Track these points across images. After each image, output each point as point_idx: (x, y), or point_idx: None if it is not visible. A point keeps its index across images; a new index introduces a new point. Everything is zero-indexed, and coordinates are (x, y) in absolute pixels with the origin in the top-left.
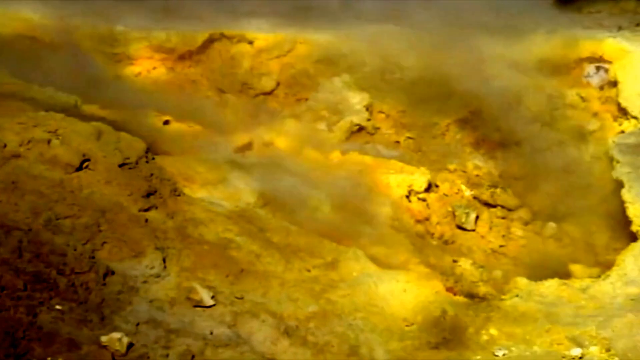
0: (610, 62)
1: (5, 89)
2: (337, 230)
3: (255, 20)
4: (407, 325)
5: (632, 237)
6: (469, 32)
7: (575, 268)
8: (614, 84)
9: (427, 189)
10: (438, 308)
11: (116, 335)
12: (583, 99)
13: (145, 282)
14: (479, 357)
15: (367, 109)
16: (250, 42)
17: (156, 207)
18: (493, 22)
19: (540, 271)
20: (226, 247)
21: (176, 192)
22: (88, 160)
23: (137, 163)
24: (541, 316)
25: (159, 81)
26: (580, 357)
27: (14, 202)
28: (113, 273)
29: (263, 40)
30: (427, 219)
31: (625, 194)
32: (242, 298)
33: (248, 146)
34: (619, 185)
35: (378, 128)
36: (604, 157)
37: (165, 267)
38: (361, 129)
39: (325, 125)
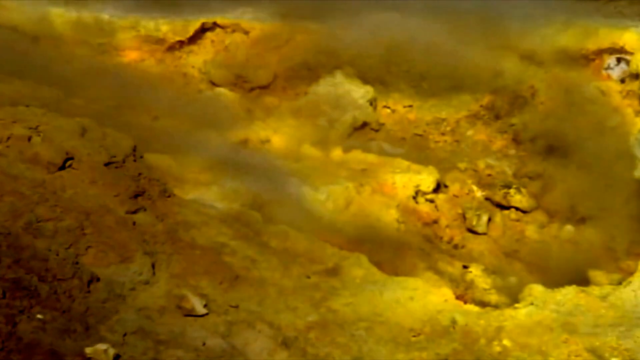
0: (632, 53)
1: None
2: (339, 233)
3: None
4: (414, 336)
5: None
6: (479, 20)
7: (594, 274)
8: (635, 76)
9: (436, 190)
10: (447, 317)
11: (102, 346)
12: (603, 92)
13: (132, 289)
14: None
15: (370, 104)
16: (246, 32)
17: (145, 209)
18: (506, 10)
19: (556, 277)
20: (220, 252)
21: (166, 193)
22: (71, 158)
23: (124, 162)
24: (558, 326)
25: (147, 73)
26: None
27: None
28: (98, 280)
29: (259, 30)
30: (435, 222)
31: None
32: (236, 307)
33: (243, 144)
34: None
35: (382, 124)
36: (625, 155)
37: (154, 273)
38: (364, 124)
39: (326, 121)
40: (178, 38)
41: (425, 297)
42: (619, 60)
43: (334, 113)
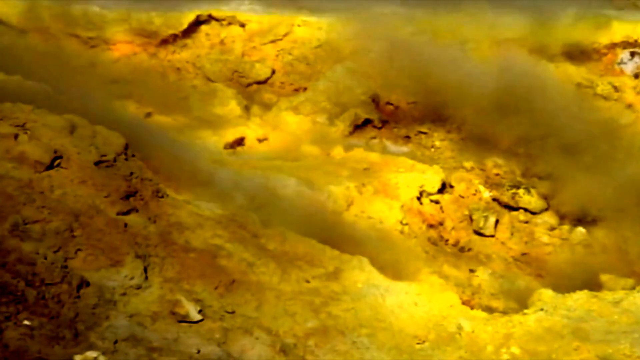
0: None
1: None
2: (340, 236)
3: None
4: (418, 343)
5: None
6: (487, 12)
7: (606, 278)
8: None
9: (441, 190)
10: (453, 323)
11: (92, 354)
12: (616, 88)
13: (124, 294)
14: None
15: (373, 100)
16: (243, 25)
17: (136, 210)
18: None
19: (567, 282)
20: (215, 255)
21: (159, 194)
22: (60, 157)
23: (115, 161)
24: (568, 332)
25: (139, 68)
26: None
27: None
28: (88, 284)
29: (256, 23)
30: (440, 224)
31: None
32: (233, 312)
33: (240, 142)
34: None
35: (386, 121)
36: (638, 153)
37: (146, 277)
38: (367, 122)
39: (327, 118)
40: (171, 31)
41: (429, 302)
42: (632, 54)
43: (335, 110)
